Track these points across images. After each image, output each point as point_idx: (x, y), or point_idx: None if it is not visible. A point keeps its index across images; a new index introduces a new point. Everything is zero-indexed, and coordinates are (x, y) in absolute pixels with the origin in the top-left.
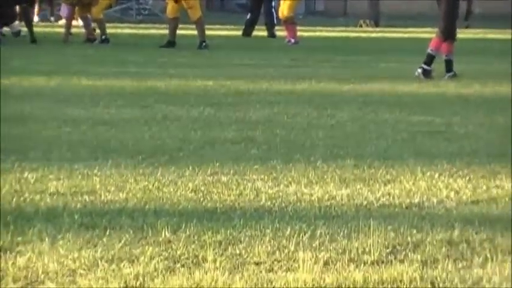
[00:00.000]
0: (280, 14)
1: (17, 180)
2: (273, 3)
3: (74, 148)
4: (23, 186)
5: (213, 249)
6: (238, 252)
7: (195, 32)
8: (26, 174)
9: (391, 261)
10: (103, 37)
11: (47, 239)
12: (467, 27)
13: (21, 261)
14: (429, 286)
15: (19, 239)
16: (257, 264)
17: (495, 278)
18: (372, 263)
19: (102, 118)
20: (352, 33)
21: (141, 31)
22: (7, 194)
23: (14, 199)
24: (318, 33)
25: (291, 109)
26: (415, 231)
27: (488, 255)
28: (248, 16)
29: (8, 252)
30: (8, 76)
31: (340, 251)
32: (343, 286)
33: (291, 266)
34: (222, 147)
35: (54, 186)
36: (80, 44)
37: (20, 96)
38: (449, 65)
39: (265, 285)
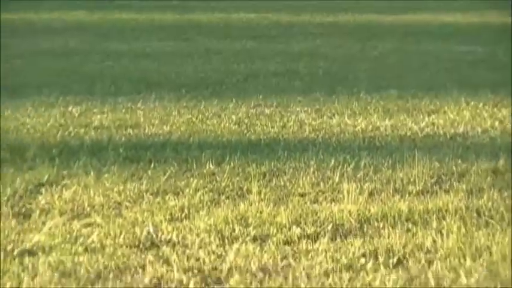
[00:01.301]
0: None
1: (62, 114)
2: None
3: (117, 82)
4: (68, 120)
5: (258, 181)
6: (282, 183)
7: None
8: (70, 108)
9: (436, 191)
10: None
11: (92, 173)
12: None
13: (67, 194)
14: (474, 215)
15: (64, 172)
16: (302, 195)
17: None
18: (417, 193)
19: (145, 51)
20: None
21: None
22: (52, 128)
23: (59, 133)
24: None
25: (333, 41)
26: (459, 161)
27: None
28: None
29: (54, 185)
30: (50, 11)
31: (384, 181)
32: (388, 216)
33: (336, 196)
34: (265, 80)
35: (98, 120)
36: None
37: (62, 30)
38: None
39: (309, 216)
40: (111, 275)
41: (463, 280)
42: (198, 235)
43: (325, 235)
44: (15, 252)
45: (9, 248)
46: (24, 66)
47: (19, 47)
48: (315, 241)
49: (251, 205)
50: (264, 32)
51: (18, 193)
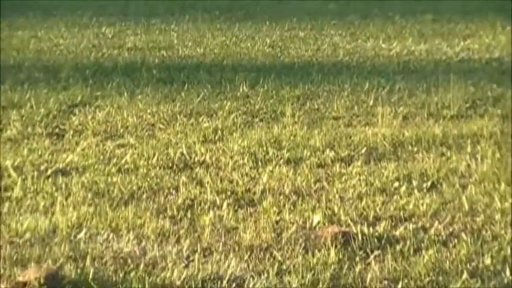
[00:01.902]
0: None
1: (95, 35)
2: None
3: (151, 3)
4: (101, 41)
5: (292, 104)
6: (316, 106)
7: None
8: (103, 29)
9: (471, 116)
10: None
11: (125, 94)
12: None
13: (100, 115)
14: (509, 140)
15: (98, 93)
16: (335, 118)
17: None
18: (452, 117)
19: None
20: None
21: None
22: (85, 49)
23: (93, 54)
24: None
25: None
26: (495, 86)
27: None
28: None
29: (88, 106)
30: None
31: (419, 105)
32: (422, 140)
33: (370, 120)
34: (299, 2)
35: (131, 41)
36: None
37: None
38: None
39: (343, 140)
40: (144, 196)
41: (497, 204)
42: (231, 157)
43: (358, 158)
44: (48, 172)
45: (42, 167)
46: None
47: None
48: (349, 164)
49: (285, 128)
50: None
51: (52, 113)
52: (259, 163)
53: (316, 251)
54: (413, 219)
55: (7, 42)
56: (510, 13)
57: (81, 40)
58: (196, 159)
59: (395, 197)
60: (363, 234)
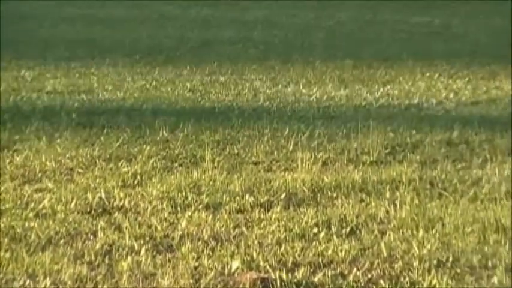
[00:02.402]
0: None
1: (15, 78)
2: None
3: (71, 46)
4: (20, 84)
5: (211, 149)
6: (236, 151)
7: None
8: (23, 72)
9: (390, 162)
10: None
11: (44, 137)
12: None
13: (18, 159)
14: (428, 186)
15: (16, 137)
16: (255, 163)
17: (494, 178)
18: (371, 163)
19: (98, 16)
20: None
21: None
22: (5, 92)
23: (11, 97)
24: None
25: (289, 9)
26: (414, 132)
27: (488, 155)
28: None
29: (6, 150)
30: None
31: (338, 151)
32: (342, 186)
33: (290, 165)
34: (220, 47)
35: (51, 85)
36: None
37: None
38: None
39: (263, 185)
40: (62, 241)
41: (416, 251)
42: (150, 202)
43: (278, 204)
44: None
45: None
46: None
47: None
48: (268, 210)
49: (204, 173)
50: None
51: None
52: (178, 208)
53: None
54: (332, 266)
55: None
56: (428, 60)
57: None
58: (114, 204)
59: (314, 242)
60: (281, 280)
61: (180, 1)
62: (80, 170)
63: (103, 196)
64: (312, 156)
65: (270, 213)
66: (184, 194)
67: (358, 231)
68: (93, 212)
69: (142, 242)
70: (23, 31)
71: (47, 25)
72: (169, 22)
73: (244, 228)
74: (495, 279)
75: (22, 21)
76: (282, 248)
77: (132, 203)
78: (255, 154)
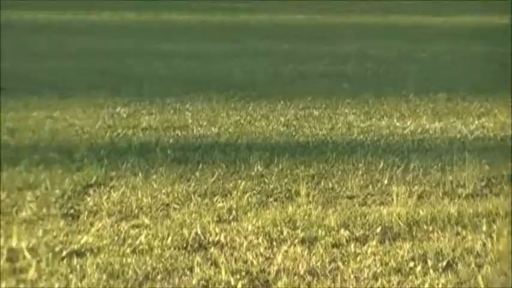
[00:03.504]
0: None
1: (110, 115)
2: None
3: (166, 83)
4: (116, 121)
5: (306, 183)
6: (331, 186)
7: None
8: (118, 109)
9: (487, 194)
10: None
11: (140, 174)
12: None
13: (115, 195)
14: None
15: (113, 173)
16: (350, 198)
17: None
18: (467, 196)
19: (193, 52)
20: None
21: None
22: (100, 129)
23: (107, 134)
24: None
25: (382, 42)
26: (510, 164)
27: None
28: None
29: (102, 186)
30: (101, 11)
31: (434, 184)
32: (437, 219)
33: (385, 199)
34: (313, 81)
35: (146, 121)
36: None
37: (112, 31)
38: None
39: (358, 219)
40: (159, 277)
41: None
42: (246, 237)
43: (373, 238)
44: (63, 253)
45: (57, 249)
46: (74, 66)
47: (69, 47)
48: (364, 244)
49: (299, 207)
50: (312, 34)
51: (67, 194)
52: (274, 243)
53: None
54: None
55: (23, 123)
56: None
57: (96, 120)
58: (210, 239)
59: (410, 277)
60: None
61: (273, 36)
62: (175, 206)
63: (199, 231)
64: (407, 190)
65: (365, 248)
66: (279, 228)
67: (454, 265)
68: (189, 247)
69: (238, 277)
70: (119, 67)
71: (142, 61)
72: (262, 57)
73: (340, 263)
74: None
75: (118, 58)
76: (379, 282)
77: (228, 238)
78: (349, 188)
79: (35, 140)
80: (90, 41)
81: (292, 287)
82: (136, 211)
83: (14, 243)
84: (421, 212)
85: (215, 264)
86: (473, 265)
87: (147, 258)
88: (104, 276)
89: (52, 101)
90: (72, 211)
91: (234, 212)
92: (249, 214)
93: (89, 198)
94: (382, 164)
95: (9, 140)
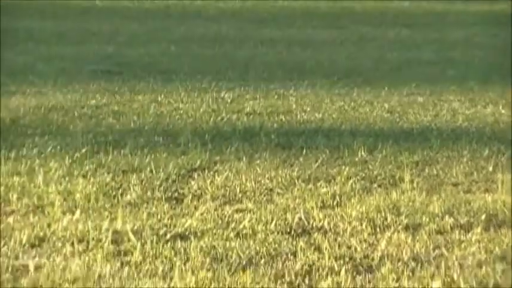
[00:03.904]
0: None
1: (214, 100)
2: None
3: (270, 68)
4: (220, 106)
5: (410, 170)
6: (435, 172)
7: None
8: (222, 93)
9: None
10: None
11: (244, 158)
12: None
13: (219, 179)
14: None
15: (217, 158)
16: (455, 185)
17: None
18: None
19: (298, 38)
20: None
21: None
22: (204, 113)
23: (212, 118)
24: None
25: (489, 29)
26: None
27: None
28: None
29: (206, 170)
30: None
31: None
32: None
33: (489, 186)
34: (418, 68)
35: (250, 106)
36: None
37: (216, 16)
38: None
39: (462, 206)
40: (262, 261)
41: None
42: (349, 223)
43: (478, 225)
44: (167, 237)
45: (161, 232)
46: (178, 51)
47: (173, 33)
48: (468, 231)
49: (403, 194)
50: (418, 20)
51: (171, 178)
52: (378, 229)
53: None
54: None
55: (128, 106)
56: None
57: (200, 105)
58: (314, 224)
59: None
60: None
61: (379, 22)
62: (279, 191)
63: (302, 217)
64: None
65: (470, 235)
66: (383, 214)
67: None
68: (292, 232)
69: (342, 262)
70: (223, 53)
71: (246, 47)
72: (368, 43)
73: (444, 250)
74: None
75: (222, 43)
76: (483, 270)
77: (332, 224)
78: (454, 175)
79: (140, 124)
80: (194, 26)
81: (395, 273)
82: (240, 195)
83: (118, 225)
84: None
85: (318, 249)
86: None
87: (251, 243)
88: (208, 260)
89: (157, 85)
90: (176, 194)
91: (337, 198)
92: (352, 200)
93: (193, 182)
94: (487, 152)
95: (115, 124)
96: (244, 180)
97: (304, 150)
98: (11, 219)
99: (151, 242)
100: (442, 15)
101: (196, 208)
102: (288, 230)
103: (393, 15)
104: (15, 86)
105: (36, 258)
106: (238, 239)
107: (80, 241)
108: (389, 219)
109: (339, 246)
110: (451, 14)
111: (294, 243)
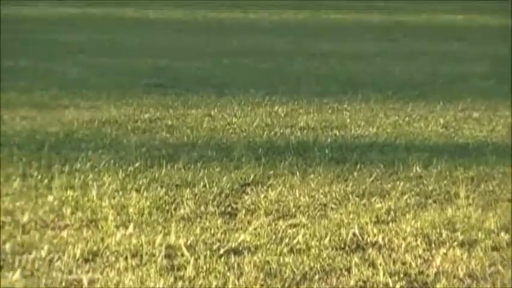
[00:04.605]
0: None
1: (268, 114)
2: None
3: (323, 82)
4: (274, 120)
5: (465, 185)
6: (491, 188)
7: None
8: (276, 107)
9: None
10: None
11: (297, 173)
12: None
13: (272, 194)
14: None
15: (270, 172)
16: (510, 201)
17: None
18: None
19: (351, 52)
20: None
21: None
22: (258, 128)
23: (265, 133)
24: None
25: None
26: None
27: None
28: None
29: (260, 185)
30: (258, 10)
31: None
32: None
33: None
34: (472, 82)
35: (304, 120)
36: None
37: (268, 30)
38: None
39: None
40: (316, 277)
41: None
42: (404, 238)
43: None
44: (221, 251)
45: (215, 246)
46: (231, 65)
47: (226, 47)
48: None
49: (459, 209)
50: (470, 34)
51: (225, 192)
52: (433, 245)
53: None
54: None
55: (181, 120)
56: None
57: (253, 119)
58: (368, 240)
59: None
60: None
61: (431, 36)
62: (333, 206)
63: (357, 232)
64: None
65: None
66: (438, 230)
67: None
68: (347, 247)
69: (396, 278)
70: (276, 66)
71: (299, 61)
72: (421, 57)
73: (500, 266)
74: None
75: (275, 57)
76: None
77: (386, 240)
78: (510, 191)
79: (193, 138)
80: (247, 40)
81: None
82: (293, 210)
83: (172, 240)
84: None
85: (373, 265)
86: None
87: (305, 258)
88: (261, 275)
89: (210, 99)
90: (229, 209)
91: (392, 213)
92: (407, 215)
93: (246, 197)
94: None
95: (168, 138)
96: (298, 195)
97: (359, 165)
98: (64, 233)
99: (205, 256)
100: (495, 29)
101: (249, 223)
102: (342, 246)
103: (445, 28)
104: (69, 100)
105: (90, 273)
106: (292, 254)
107: (134, 256)
108: (444, 235)
109: (393, 262)
110: (505, 28)
111: (348, 258)
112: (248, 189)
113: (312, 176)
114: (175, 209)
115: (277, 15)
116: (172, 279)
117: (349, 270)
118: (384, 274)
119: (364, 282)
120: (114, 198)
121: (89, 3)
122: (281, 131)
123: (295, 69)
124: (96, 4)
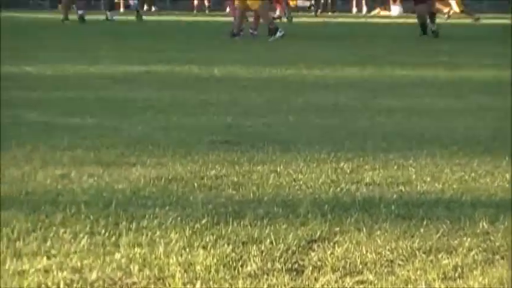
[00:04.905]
0: None
1: (333, 170)
2: None
3: (389, 138)
4: (339, 176)
5: None
6: None
7: None
8: (341, 164)
9: None
10: None
11: (364, 229)
12: None
13: (339, 251)
14: None
15: (336, 229)
16: None
17: None
18: None
19: (416, 108)
20: None
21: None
22: (324, 184)
23: (331, 189)
24: None
25: None
26: None
27: None
28: None
29: (326, 242)
30: (322, 67)
31: None
32: None
33: None
34: None
35: (369, 177)
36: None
37: (333, 86)
38: None
39: None
40: None
41: None
42: None
43: None
44: None
45: None
46: (296, 121)
47: (291, 103)
48: None
49: None
50: None
51: (291, 249)
52: None
53: None
54: None
55: (247, 177)
56: None
57: (319, 175)
58: None
59: None
60: None
61: (497, 91)
62: (400, 262)
63: None
64: None
65: None
66: (506, 287)
67: None
68: None
69: None
70: (341, 122)
71: (364, 117)
72: (486, 112)
73: None
74: None
75: (340, 113)
76: None
77: None
78: None
79: (259, 195)
80: (312, 96)
81: None
82: (360, 267)
83: None
84: None
85: None
86: None
87: None
88: None
89: (275, 155)
90: (296, 266)
91: (459, 270)
92: (474, 272)
93: (313, 253)
94: None
95: (234, 194)
96: (364, 252)
97: (425, 221)
98: None
99: None
100: None
101: (316, 280)
102: None
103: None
104: (135, 157)
105: None
106: None
107: None
108: None
109: None
110: None
111: None
112: (315, 246)
113: (378, 232)
114: (241, 266)
115: (341, 72)
116: None
117: None
118: None
119: None
120: (181, 255)
121: (153, 62)
122: (347, 187)
123: (360, 125)
124: (161, 62)
